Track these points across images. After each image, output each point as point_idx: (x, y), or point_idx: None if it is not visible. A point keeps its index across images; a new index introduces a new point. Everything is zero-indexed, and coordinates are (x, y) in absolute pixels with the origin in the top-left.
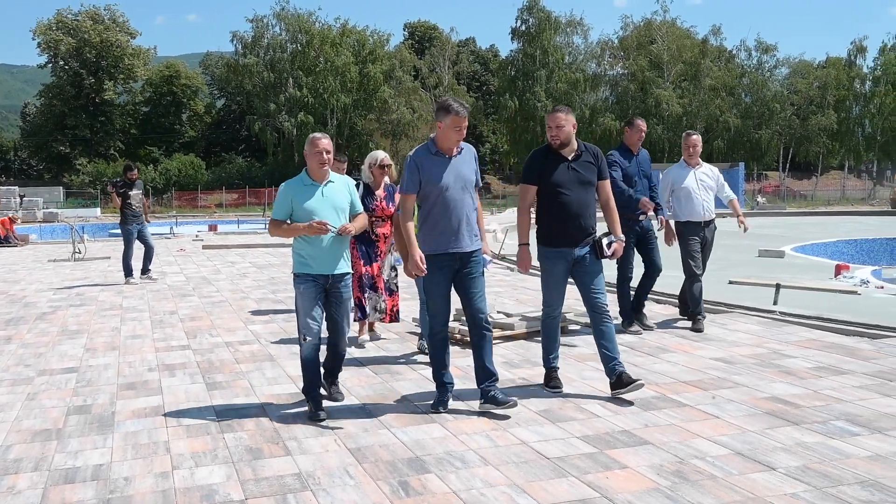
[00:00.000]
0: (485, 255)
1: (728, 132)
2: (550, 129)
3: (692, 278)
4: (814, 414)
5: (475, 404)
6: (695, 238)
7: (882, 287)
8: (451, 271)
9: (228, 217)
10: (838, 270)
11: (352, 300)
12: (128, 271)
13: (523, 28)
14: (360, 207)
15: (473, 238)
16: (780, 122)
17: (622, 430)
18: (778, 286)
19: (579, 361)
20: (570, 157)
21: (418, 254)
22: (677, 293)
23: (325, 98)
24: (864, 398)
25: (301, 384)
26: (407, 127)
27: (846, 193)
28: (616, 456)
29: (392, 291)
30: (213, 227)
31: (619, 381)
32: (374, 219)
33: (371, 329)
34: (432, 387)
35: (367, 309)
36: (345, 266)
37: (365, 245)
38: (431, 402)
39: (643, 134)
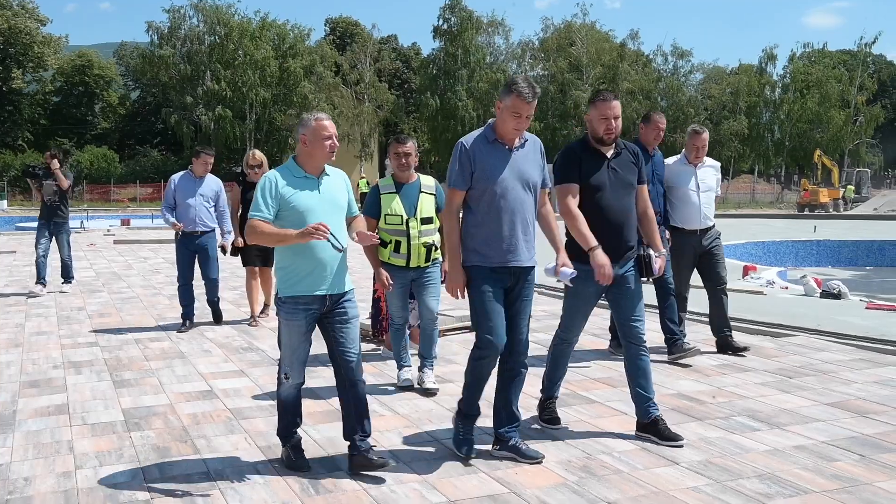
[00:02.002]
0: (566, 268)
1: None
2: (606, 120)
3: (676, 296)
4: (717, 410)
5: (393, 402)
6: (687, 247)
7: (786, 288)
8: (504, 286)
9: (142, 212)
10: (746, 271)
11: (363, 319)
12: (38, 274)
13: (445, 27)
14: (356, 208)
15: (532, 251)
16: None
17: (533, 427)
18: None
19: None
20: (608, 155)
21: (462, 275)
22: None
23: (244, 92)
24: (765, 395)
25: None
26: None
27: (756, 197)
28: None
29: None
30: (125, 222)
31: (655, 427)
32: None
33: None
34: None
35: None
36: (348, 282)
37: None
38: (454, 441)
39: (662, 132)
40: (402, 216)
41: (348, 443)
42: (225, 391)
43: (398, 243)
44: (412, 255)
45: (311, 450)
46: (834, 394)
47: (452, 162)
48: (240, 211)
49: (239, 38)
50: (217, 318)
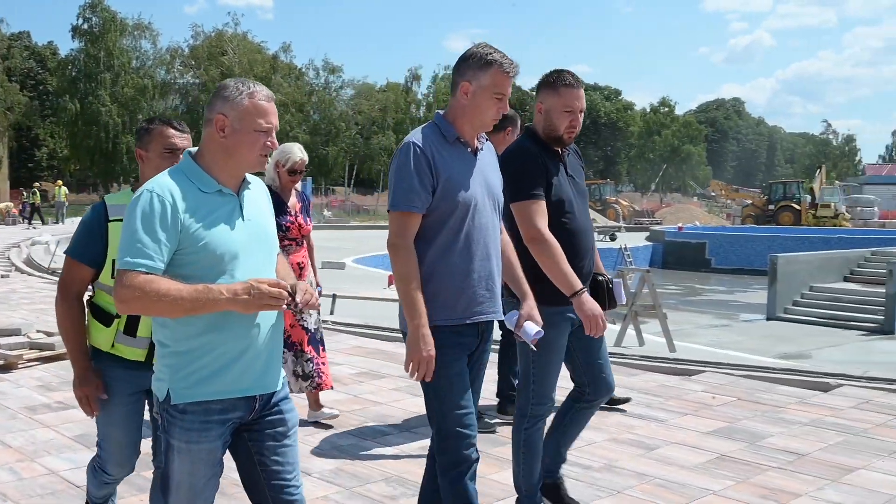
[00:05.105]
0: (530, 325)
1: None
2: (571, 114)
3: None
4: (351, 418)
5: (3, 433)
6: None
7: None
8: (469, 350)
9: None
10: (391, 280)
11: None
12: None
13: (86, 27)
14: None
15: (500, 297)
16: (345, 140)
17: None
18: (334, 296)
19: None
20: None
21: (431, 343)
22: None
23: None
24: (398, 399)
25: None
26: None
27: None
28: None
29: (319, 345)
30: None
31: (558, 491)
32: (286, 243)
33: (317, 404)
34: None
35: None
36: (282, 372)
37: None
38: None
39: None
40: None
41: None
42: None
43: (134, 317)
44: None
45: None
46: None
47: (402, 173)
48: None
49: None
50: None
